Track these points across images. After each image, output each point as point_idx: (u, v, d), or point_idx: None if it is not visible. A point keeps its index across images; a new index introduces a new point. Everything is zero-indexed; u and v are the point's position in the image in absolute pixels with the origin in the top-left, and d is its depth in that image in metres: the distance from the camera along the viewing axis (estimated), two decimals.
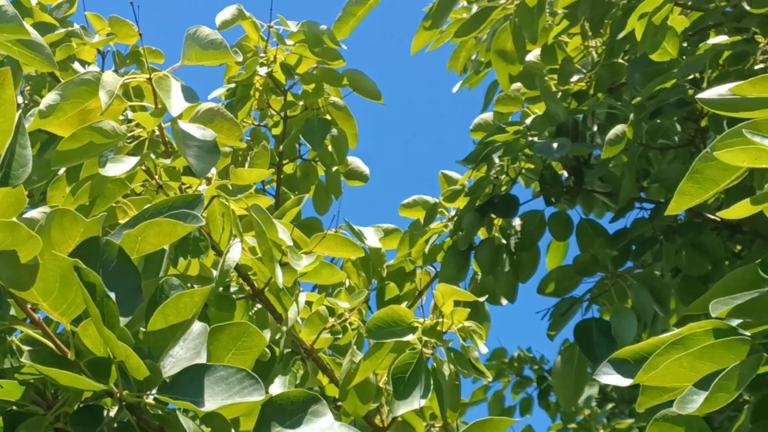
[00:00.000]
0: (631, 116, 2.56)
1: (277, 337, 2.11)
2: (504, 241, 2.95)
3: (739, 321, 1.54)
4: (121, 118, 2.01)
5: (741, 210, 1.53)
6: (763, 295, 1.46)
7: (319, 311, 2.13)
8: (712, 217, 2.85)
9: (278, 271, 1.81)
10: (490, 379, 2.25)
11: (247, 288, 2.06)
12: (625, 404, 4.86)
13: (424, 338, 2.08)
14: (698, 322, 1.53)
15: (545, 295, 2.80)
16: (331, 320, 2.18)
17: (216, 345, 1.30)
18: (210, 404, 1.18)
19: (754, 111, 1.71)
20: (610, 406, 4.71)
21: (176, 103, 1.78)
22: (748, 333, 1.45)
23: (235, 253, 1.81)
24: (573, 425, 4.69)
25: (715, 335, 1.46)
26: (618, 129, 2.52)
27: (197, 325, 1.32)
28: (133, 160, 1.82)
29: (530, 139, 2.80)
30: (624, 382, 1.54)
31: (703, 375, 1.40)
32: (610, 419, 4.65)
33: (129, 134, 1.87)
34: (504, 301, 2.94)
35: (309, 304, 2.21)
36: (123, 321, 1.23)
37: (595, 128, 2.95)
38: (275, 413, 1.34)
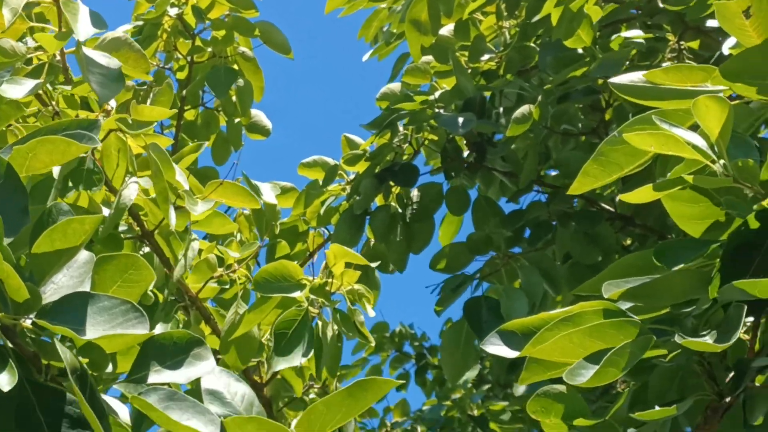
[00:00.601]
0: (540, 97, 2.56)
1: (163, 282, 2.06)
2: (400, 210, 2.94)
3: (629, 305, 1.55)
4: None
5: (642, 195, 1.53)
6: (655, 281, 1.48)
7: (208, 259, 2.08)
8: (606, 207, 2.88)
9: (172, 213, 1.76)
10: (373, 344, 2.23)
11: (137, 228, 2.00)
12: (500, 388, 4.91)
13: (312, 297, 2.05)
14: (588, 302, 1.54)
15: (437, 270, 2.80)
16: (220, 270, 2.14)
17: (101, 275, 1.25)
18: (91, 333, 1.13)
19: (662, 101, 1.73)
20: (485, 387, 4.76)
21: (83, 27, 1.71)
22: (636, 318, 1.46)
23: (131, 191, 1.75)
24: (448, 402, 4.73)
25: (605, 316, 1.47)
26: (525, 109, 2.52)
27: (83, 254, 1.27)
28: (32, 83, 1.74)
29: (437, 111, 2.79)
30: (511, 353, 1.54)
31: (591, 352, 1.41)
32: (484, 401, 4.69)
33: (28, 56, 1.80)
34: (393, 270, 2.92)
35: (198, 252, 2.16)
36: (6, 241, 1.17)
37: (501, 109, 2.95)
38: (156, 352, 1.30)
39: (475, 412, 4.63)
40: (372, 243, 2.97)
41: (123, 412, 1.23)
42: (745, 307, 1.32)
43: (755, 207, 1.43)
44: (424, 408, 4.88)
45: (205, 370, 1.34)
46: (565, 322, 1.48)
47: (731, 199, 1.49)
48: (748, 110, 1.68)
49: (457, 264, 2.76)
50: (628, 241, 3.15)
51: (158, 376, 1.30)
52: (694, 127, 1.55)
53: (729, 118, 1.45)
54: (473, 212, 2.94)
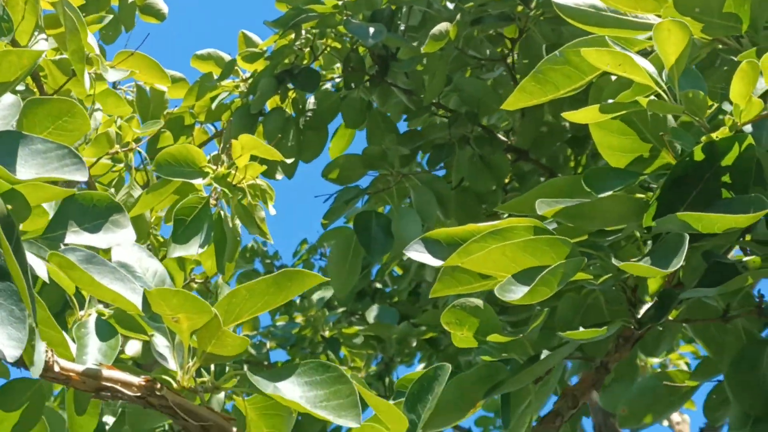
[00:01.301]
0: (458, 16, 2.50)
1: None
2: (294, 116, 2.85)
3: (554, 226, 1.53)
4: None
5: (588, 115, 1.50)
6: (591, 202, 1.45)
7: (108, 133, 1.95)
8: (502, 138, 2.86)
9: (87, 75, 1.63)
10: (272, 242, 2.16)
11: (36, 90, 1.85)
12: (350, 314, 4.92)
13: (214, 185, 1.96)
14: (517, 218, 1.50)
15: (328, 179, 2.73)
16: (117, 147, 2.02)
17: (31, 120, 1.14)
18: (23, 174, 1.02)
19: (604, 28, 1.71)
20: (341, 310, 4.74)
21: None
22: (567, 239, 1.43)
23: (41, 46, 1.61)
24: (300, 320, 4.69)
25: (535, 233, 1.44)
26: (443, 26, 2.46)
27: (8, 97, 1.15)
28: None
29: (346, 18, 2.70)
30: (435, 262, 1.49)
31: (522, 268, 1.38)
32: (336, 323, 4.67)
33: None
34: (279, 176, 2.84)
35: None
36: None
37: (403, 27, 2.88)
38: (75, 212, 1.21)
39: (327, 334, 4.61)
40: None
41: (41, 270, 1.13)
42: (688, 236, 1.30)
43: (702, 139, 1.41)
44: (277, 324, 4.82)
45: (124, 237, 1.26)
46: (494, 236, 1.44)
47: (678, 130, 1.47)
48: (694, 47, 1.66)
49: (349, 176, 2.70)
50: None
51: (76, 237, 1.20)
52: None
53: (687, 48, 1.43)
54: (369, 127, 2.88)
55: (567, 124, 2.82)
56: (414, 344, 4.26)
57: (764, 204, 1.26)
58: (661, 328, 1.79)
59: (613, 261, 1.35)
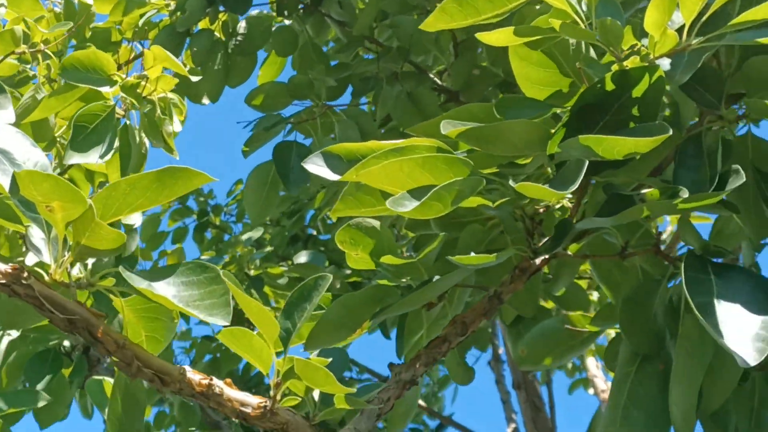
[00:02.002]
0: None
1: None
2: (223, 39, 2.78)
3: (463, 153, 1.49)
4: None
5: (501, 37, 1.46)
6: (497, 125, 1.41)
7: (13, 30, 1.88)
8: (432, 77, 2.82)
9: None
10: (178, 158, 2.09)
11: None
12: (279, 258, 4.88)
13: (122, 95, 1.90)
14: (421, 138, 1.46)
15: (251, 105, 2.66)
16: (24, 47, 1.94)
17: None
18: None
19: None
20: (267, 249, 4.69)
21: None
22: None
23: None
24: (227, 258, 4.63)
25: (438, 152, 1.40)
26: None
27: None
28: None
29: None
30: (333, 176, 1.45)
31: (419, 185, 1.34)
32: (263, 262, 4.63)
33: None
34: (206, 101, 2.77)
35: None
36: None
37: None
38: None
39: (253, 272, 4.56)
40: (187, 68, 2.80)
41: None
42: (587, 161, 1.27)
43: (613, 68, 1.38)
44: (203, 258, 4.77)
45: (5, 118, 1.20)
46: (395, 153, 1.40)
47: (591, 58, 1.44)
48: None
49: (274, 104, 2.64)
50: None
51: None
52: None
53: None
54: (298, 56, 2.82)
55: (501, 70, 2.78)
56: (338, 287, 4.23)
57: (666, 129, 1.23)
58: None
59: (510, 182, 1.32)
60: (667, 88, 1.44)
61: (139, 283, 1.19)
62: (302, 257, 4.41)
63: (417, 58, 2.79)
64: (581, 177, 1.23)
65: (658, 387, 1.40)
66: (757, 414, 2.08)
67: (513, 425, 4.96)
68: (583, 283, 2.49)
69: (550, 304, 2.19)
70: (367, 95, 2.71)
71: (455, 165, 1.34)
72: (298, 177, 2.43)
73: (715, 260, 1.34)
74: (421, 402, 6.09)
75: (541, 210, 1.54)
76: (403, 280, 1.56)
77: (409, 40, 2.65)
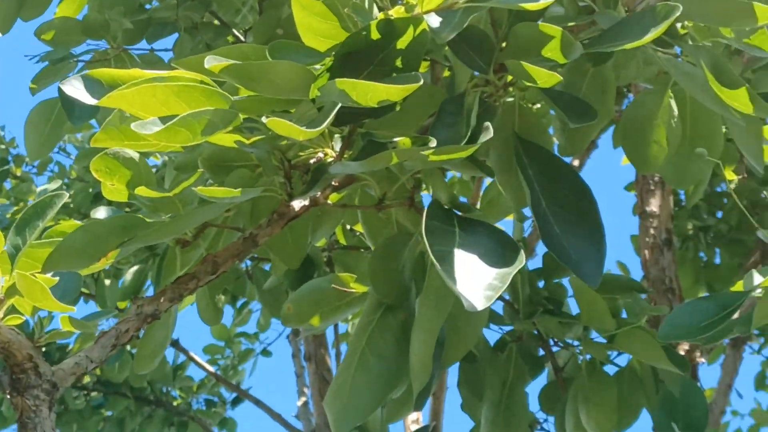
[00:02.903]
0: None
1: None
2: None
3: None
4: None
5: None
6: (262, 64, 1.39)
7: None
8: (237, 34, 2.78)
9: None
10: None
11: None
12: (81, 216, 4.78)
13: None
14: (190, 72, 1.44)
15: (42, 39, 2.55)
16: None
17: None
18: None
19: None
20: (64, 202, 4.56)
21: None
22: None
23: None
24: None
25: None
26: None
27: None
28: None
29: None
30: (90, 99, 1.40)
31: (173, 113, 1.31)
32: (59, 215, 4.50)
33: None
34: None
35: None
36: None
37: None
38: None
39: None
40: None
41: None
42: (339, 104, 1.27)
43: (379, 16, 1.39)
44: None
45: None
46: (156, 81, 1.37)
47: (357, 4, 1.44)
48: None
49: (66, 40, 2.54)
50: None
51: None
52: None
53: None
54: None
55: None
56: None
57: (417, 79, 1.25)
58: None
59: (263, 119, 1.31)
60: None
61: None
62: (100, 212, 4.30)
63: (222, 12, 2.75)
64: (330, 118, 1.24)
65: (398, 336, 1.42)
66: (511, 385, 2.15)
67: (303, 398, 4.98)
68: None
69: None
70: (158, 38, 2.64)
71: (213, 97, 1.32)
72: (83, 112, 2.36)
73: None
74: (219, 373, 6.05)
75: (312, 161, 1.54)
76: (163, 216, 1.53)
77: None
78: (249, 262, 4.00)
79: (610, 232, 1.45)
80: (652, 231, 3.42)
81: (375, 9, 1.58)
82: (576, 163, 4.31)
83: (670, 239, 3.42)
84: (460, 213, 1.37)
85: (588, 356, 2.18)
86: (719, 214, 4.39)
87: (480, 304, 1.18)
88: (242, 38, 2.80)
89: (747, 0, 1.38)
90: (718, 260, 4.51)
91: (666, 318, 1.52)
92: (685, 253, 4.38)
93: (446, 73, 1.97)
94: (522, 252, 1.30)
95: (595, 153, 4.46)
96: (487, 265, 1.26)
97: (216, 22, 2.74)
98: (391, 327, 1.42)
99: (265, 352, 6.48)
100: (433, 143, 1.27)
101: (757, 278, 1.33)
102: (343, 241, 2.76)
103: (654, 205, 3.46)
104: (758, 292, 1.46)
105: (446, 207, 1.38)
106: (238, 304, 5.40)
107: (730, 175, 3.43)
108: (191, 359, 5.31)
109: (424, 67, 2.19)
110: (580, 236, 1.43)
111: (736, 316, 1.50)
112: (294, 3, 1.59)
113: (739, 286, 1.41)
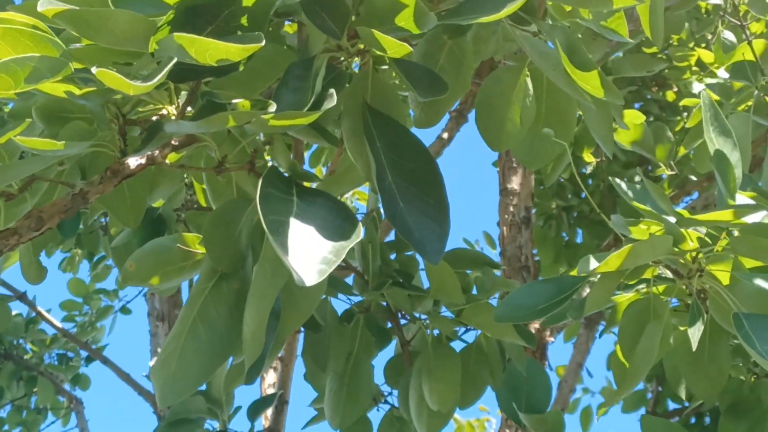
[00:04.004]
0: None
1: None
2: None
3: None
4: None
5: None
6: (96, 11, 1.31)
7: None
8: None
9: None
10: None
11: None
12: None
13: None
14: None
15: None
16: None
17: None
18: None
19: None
20: None
21: None
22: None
23: None
24: None
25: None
26: None
27: None
28: None
29: None
30: None
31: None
32: None
33: None
34: None
35: None
36: None
37: None
38: None
39: None
40: None
41: None
42: (175, 59, 1.20)
43: None
44: None
45: None
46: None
47: None
48: None
49: None
50: None
51: None
52: None
53: None
54: None
55: None
56: None
57: (259, 39, 1.19)
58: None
59: (93, 70, 1.23)
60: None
61: None
62: None
63: None
64: (163, 74, 1.17)
65: (231, 306, 1.37)
66: (356, 357, 2.12)
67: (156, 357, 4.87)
68: None
69: None
70: None
71: (42, 43, 1.24)
72: None
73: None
74: (76, 330, 5.89)
75: (155, 118, 1.47)
76: None
77: None
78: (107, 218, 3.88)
79: (477, 208, 1.43)
80: (511, 209, 3.43)
81: None
82: (445, 136, 4.30)
83: (528, 217, 3.44)
84: (300, 181, 1.33)
85: (436, 331, 2.17)
86: (583, 195, 4.45)
87: (311, 279, 1.14)
88: None
89: None
90: (580, 240, 4.58)
91: (504, 299, 1.50)
92: (547, 231, 4.43)
93: None
94: (360, 225, 1.26)
95: (469, 127, 4.45)
96: (323, 238, 1.21)
97: None
98: (225, 296, 1.37)
99: (124, 310, 6.33)
100: (273, 107, 1.22)
101: (593, 263, 1.32)
102: (203, 202, 2.69)
103: (515, 183, 3.47)
104: (598, 277, 1.46)
105: (286, 175, 1.33)
106: (96, 259, 5.25)
107: (588, 157, 3.48)
108: (39, 314, 5.14)
109: (291, 29, 2.13)
110: (424, 213, 1.40)
111: (575, 299, 1.49)
112: None
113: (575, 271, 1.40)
